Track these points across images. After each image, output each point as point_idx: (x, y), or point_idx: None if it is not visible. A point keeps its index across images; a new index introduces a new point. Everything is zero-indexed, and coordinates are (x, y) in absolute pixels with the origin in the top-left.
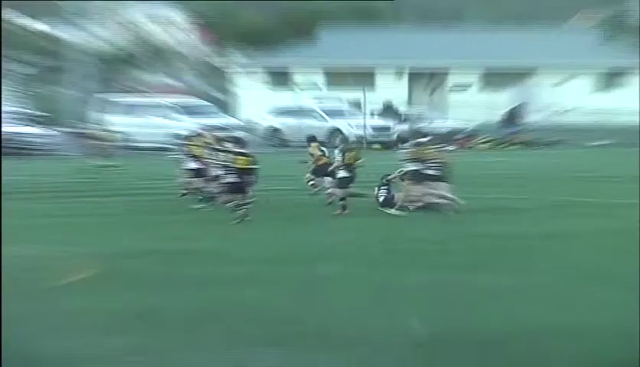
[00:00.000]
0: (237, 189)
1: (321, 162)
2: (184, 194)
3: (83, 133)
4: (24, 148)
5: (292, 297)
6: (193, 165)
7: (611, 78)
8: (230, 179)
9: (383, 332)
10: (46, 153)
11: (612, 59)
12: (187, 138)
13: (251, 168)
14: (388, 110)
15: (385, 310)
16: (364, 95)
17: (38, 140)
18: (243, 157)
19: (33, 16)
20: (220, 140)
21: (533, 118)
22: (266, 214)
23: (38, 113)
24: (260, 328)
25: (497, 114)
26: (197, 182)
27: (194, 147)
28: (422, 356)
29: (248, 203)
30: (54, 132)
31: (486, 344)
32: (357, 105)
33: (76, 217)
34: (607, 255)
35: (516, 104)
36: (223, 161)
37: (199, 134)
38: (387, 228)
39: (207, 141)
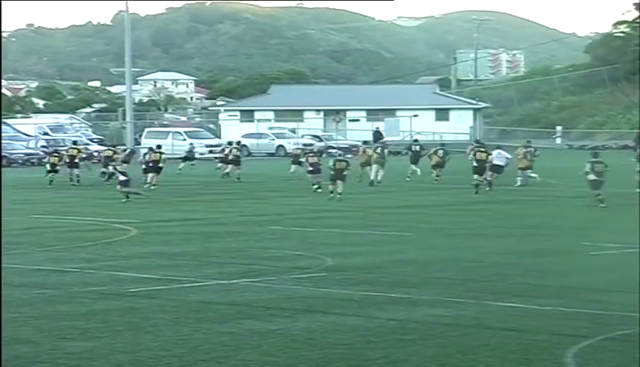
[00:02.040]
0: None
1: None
2: None
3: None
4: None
5: None
6: None
7: (441, 113)
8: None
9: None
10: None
11: (441, 102)
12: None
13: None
14: (314, 137)
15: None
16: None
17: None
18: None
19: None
20: None
21: (394, 138)
22: None
23: (102, 137)
24: None
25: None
26: None
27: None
28: (331, 279)
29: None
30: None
31: (372, 269)
32: (293, 131)
33: None
34: (443, 219)
35: (377, 128)
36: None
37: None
38: None
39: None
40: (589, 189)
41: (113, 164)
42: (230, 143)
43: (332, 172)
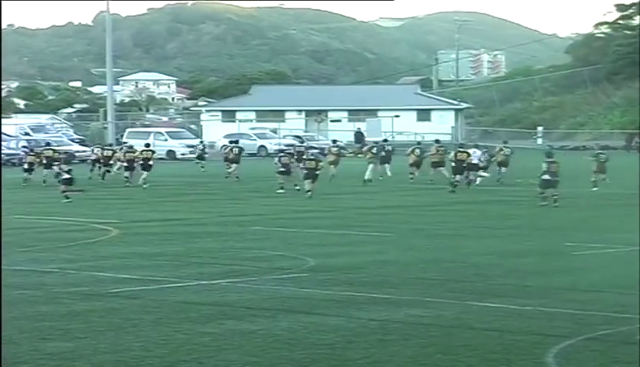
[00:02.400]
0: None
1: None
2: None
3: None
4: (74, 158)
5: None
6: None
7: (423, 113)
8: None
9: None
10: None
11: (423, 102)
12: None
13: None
14: (296, 137)
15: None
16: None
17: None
18: None
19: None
20: None
21: (375, 138)
22: None
23: (83, 137)
24: None
25: (352, 136)
26: None
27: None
28: (313, 279)
29: None
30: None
31: (353, 269)
32: (274, 131)
33: None
34: (424, 219)
35: (359, 129)
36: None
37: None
38: None
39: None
40: (539, 188)
41: (57, 163)
42: (232, 142)
43: (305, 171)
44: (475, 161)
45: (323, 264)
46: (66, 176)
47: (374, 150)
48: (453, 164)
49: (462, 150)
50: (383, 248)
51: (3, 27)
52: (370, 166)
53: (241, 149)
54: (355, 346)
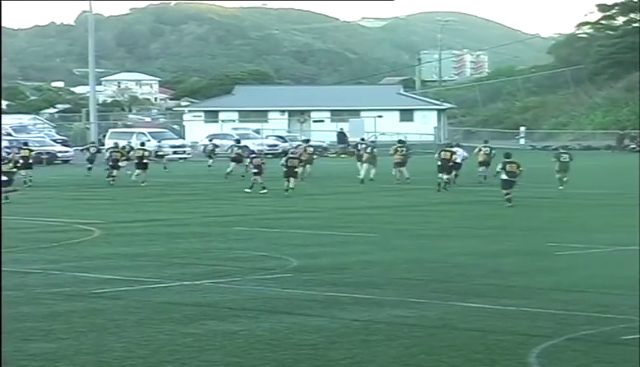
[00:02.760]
0: None
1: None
2: None
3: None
4: (55, 158)
5: None
6: None
7: (405, 113)
8: None
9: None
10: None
11: (405, 102)
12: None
13: None
14: (278, 138)
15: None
16: (262, 127)
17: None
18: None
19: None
20: None
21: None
22: None
23: (65, 138)
24: None
25: (335, 136)
26: None
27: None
28: (296, 280)
29: None
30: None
31: (337, 269)
32: (257, 131)
33: None
34: (408, 220)
35: (342, 129)
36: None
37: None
38: None
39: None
40: (502, 190)
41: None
42: (237, 141)
43: (285, 169)
44: (459, 161)
45: (306, 265)
46: (5, 178)
47: (369, 150)
48: (439, 163)
49: (446, 149)
50: (367, 248)
51: None
52: (365, 165)
53: (242, 148)
54: (338, 347)
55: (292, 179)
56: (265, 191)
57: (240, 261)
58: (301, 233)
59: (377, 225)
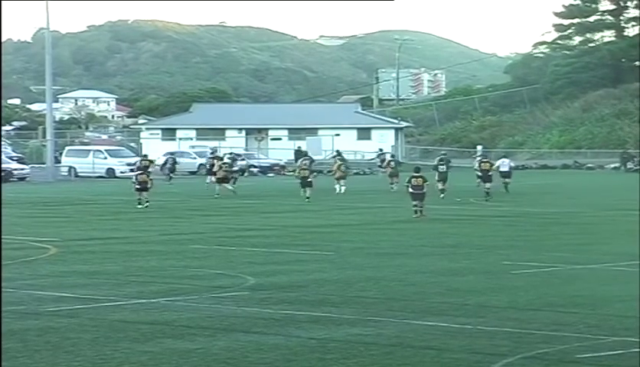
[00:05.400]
0: None
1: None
2: None
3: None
4: (11, 176)
5: None
6: None
7: (363, 132)
8: None
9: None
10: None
11: (363, 121)
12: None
13: None
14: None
15: None
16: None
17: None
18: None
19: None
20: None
21: (316, 156)
22: None
23: (21, 155)
24: None
25: (293, 153)
26: None
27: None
28: (253, 298)
29: None
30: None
31: (293, 287)
32: (214, 150)
33: None
34: (365, 238)
35: (299, 147)
36: None
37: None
38: None
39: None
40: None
41: None
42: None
43: (299, 180)
44: (507, 169)
45: (263, 283)
46: None
47: (342, 167)
48: (479, 173)
49: (485, 160)
50: (324, 266)
51: None
52: (342, 181)
53: (230, 165)
54: (295, 365)
55: (307, 189)
56: (141, 207)
57: (196, 279)
58: (257, 251)
59: (334, 243)
